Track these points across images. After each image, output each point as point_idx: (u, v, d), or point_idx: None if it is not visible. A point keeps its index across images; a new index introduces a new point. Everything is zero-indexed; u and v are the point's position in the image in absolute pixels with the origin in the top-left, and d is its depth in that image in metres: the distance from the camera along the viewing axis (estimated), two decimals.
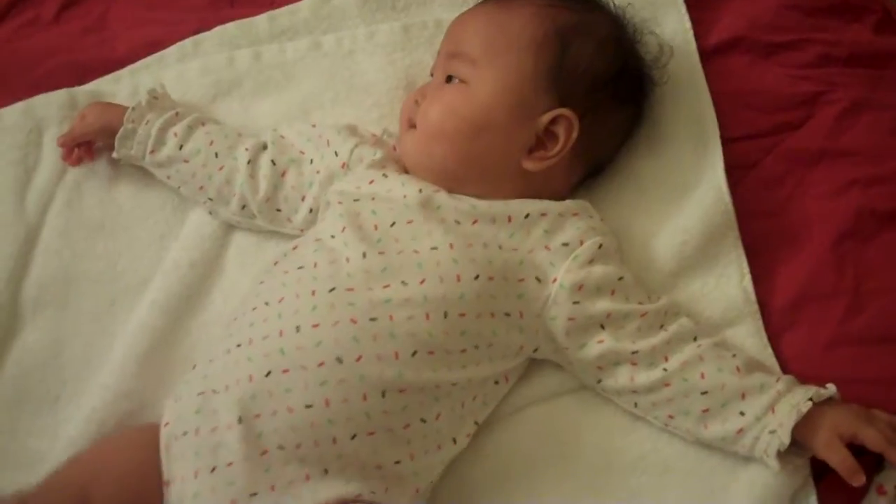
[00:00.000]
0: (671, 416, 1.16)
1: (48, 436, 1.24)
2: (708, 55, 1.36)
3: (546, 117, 1.20)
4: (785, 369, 1.19)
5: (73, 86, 1.42)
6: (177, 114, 1.33)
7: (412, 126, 1.25)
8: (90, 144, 1.36)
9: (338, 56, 1.42)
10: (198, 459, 1.10)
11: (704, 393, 1.13)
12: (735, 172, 1.29)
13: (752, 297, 1.24)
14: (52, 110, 1.39)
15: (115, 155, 1.33)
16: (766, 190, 1.30)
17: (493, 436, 1.20)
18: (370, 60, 1.41)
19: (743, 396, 1.12)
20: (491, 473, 1.19)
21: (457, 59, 1.24)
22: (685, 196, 1.28)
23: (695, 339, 1.17)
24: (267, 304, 1.14)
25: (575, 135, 1.20)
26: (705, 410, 1.13)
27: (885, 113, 1.33)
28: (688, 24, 1.37)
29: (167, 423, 1.14)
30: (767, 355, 1.20)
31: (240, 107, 1.40)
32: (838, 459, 1.07)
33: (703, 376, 1.13)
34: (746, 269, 1.25)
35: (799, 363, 1.19)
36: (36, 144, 1.38)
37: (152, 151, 1.31)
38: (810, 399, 1.10)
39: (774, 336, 1.22)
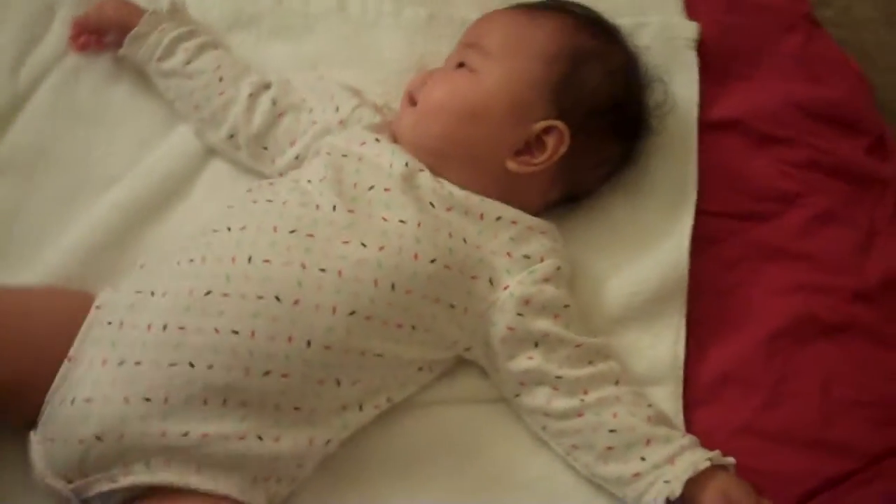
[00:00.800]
0: (574, 447, 1.18)
1: None
2: (706, 126, 1.38)
3: (541, 125, 1.23)
4: None
5: None
6: (191, 31, 1.35)
7: (412, 103, 1.28)
8: (100, 35, 1.37)
9: (360, 23, 1.44)
10: (111, 349, 1.11)
11: (612, 431, 1.16)
12: (699, 243, 1.32)
13: (680, 363, 1.27)
14: None
15: (121, 52, 1.34)
16: (722, 269, 1.33)
17: (399, 420, 1.22)
18: (389, 37, 1.43)
19: (647, 443, 1.15)
20: (385, 455, 1.21)
21: (472, 49, 1.27)
22: (648, 250, 1.31)
23: (617, 382, 1.20)
24: (229, 229, 1.15)
25: (563, 150, 1.23)
26: (609, 448, 1.16)
27: (850, 231, 1.36)
28: (696, 90, 1.40)
29: (99, 307, 1.16)
30: (678, 422, 1.23)
31: (253, 43, 1.41)
32: None
33: (615, 416, 1.16)
34: (682, 336, 1.28)
35: (705, 439, 1.20)
36: (47, 17, 1.39)
37: (159, 59, 1.33)
38: (709, 459, 1.14)
39: (690, 407, 1.25)
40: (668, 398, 1.24)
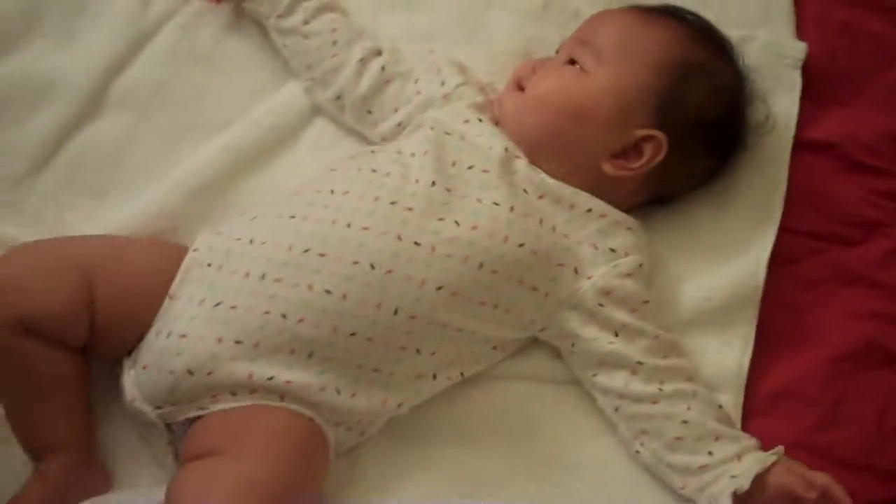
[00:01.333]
0: (644, 431, 1.22)
1: (83, 219, 1.32)
2: (799, 145, 1.39)
3: (641, 132, 1.25)
4: None
5: None
6: None
7: (519, 89, 1.31)
8: None
9: (475, 2, 1.46)
10: (209, 290, 1.17)
11: (685, 422, 1.20)
12: (778, 259, 1.34)
13: (744, 372, 1.30)
14: None
15: (244, 3, 1.38)
16: (797, 287, 1.35)
17: (465, 390, 1.27)
18: (502, 18, 1.44)
19: (716, 439, 1.20)
20: (447, 421, 1.27)
21: (585, 48, 1.29)
22: (726, 259, 1.33)
23: (690, 379, 1.23)
24: (332, 192, 1.20)
25: (659, 159, 1.26)
26: (678, 438, 1.20)
27: None
28: (795, 110, 1.40)
29: (196, 249, 1.21)
30: None
31: (370, 9, 1.44)
32: (796, 476, 1.17)
33: (688, 409, 1.20)
34: (750, 347, 1.31)
35: None
36: None
37: (279, 16, 1.37)
38: (774, 454, 1.18)
39: (746, 416, 1.28)
40: (728, 406, 1.27)
